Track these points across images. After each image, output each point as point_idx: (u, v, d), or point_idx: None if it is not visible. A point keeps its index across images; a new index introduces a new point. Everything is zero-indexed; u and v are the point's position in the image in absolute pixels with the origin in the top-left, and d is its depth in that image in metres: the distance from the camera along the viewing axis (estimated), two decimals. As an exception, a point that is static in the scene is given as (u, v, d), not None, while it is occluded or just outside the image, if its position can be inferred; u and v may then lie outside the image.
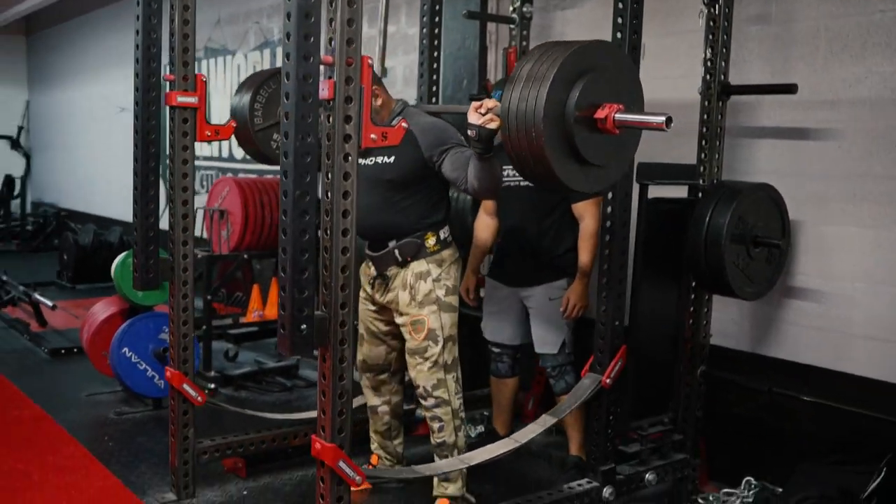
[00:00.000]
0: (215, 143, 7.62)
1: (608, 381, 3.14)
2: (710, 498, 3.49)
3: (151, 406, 4.50)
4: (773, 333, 3.59)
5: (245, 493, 3.52)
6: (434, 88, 4.10)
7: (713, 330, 3.69)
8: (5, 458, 3.77)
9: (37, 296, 6.20)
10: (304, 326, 2.38)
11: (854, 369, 3.33)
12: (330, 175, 2.38)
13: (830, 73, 3.33)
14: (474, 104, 2.72)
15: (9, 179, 11.42)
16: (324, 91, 2.36)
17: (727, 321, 3.72)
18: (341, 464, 2.47)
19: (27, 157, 12.18)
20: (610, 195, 3.07)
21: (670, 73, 3.80)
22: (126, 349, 4.42)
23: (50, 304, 6.04)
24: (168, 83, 3.28)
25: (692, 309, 3.47)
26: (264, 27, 7.05)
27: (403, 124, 2.56)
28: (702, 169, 3.41)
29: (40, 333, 6.09)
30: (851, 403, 3.26)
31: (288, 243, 2.36)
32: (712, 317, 3.70)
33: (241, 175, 6.89)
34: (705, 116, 3.39)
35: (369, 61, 2.40)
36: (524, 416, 4.46)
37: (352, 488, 3.45)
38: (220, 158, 7.68)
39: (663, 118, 2.37)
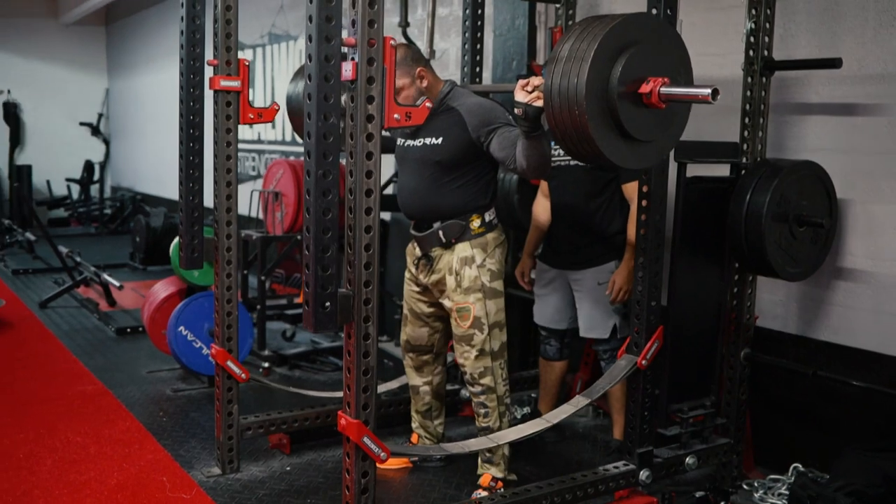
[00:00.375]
0: (279, 128, 7.75)
1: (644, 362, 3.10)
2: (756, 484, 3.42)
3: (207, 383, 4.63)
4: (821, 316, 3.50)
5: (288, 468, 3.60)
6: (478, 69, 4.08)
7: (761, 312, 3.62)
8: (65, 431, 3.94)
9: (105, 276, 6.43)
10: (327, 304, 2.43)
11: (905, 353, 3.23)
12: (353, 155, 2.41)
13: (880, 46, 3.21)
14: (521, 82, 2.72)
15: (89, 165, 11.82)
16: (346, 72, 2.39)
17: (775, 303, 3.64)
18: (365, 439, 2.51)
19: (106, 143, 12.59)
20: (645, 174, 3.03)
21: (716, 49, 3.71)
22: (182, 328, 4.55)
23: (117, 284, 6.26)
24: (212, 68, 3.37)
25: (735, 290, 3.41)
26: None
27: (427, 104, 2.57)
28: (745, 147, 3.33)
29: (109, 313, 6.33)
30: (899, 388, 3.17)
31: (311, 222, 2.40)
32: (759, 299, 3.63)
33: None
34: (748, 93, 3.30)
35: (392, 42, 2.42)
36: (571, 398, 4.44)
37: (389, 466, 3.56)
38: (283, 142, 7.81)
39: (709, 90, 2.35)
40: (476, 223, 3.25)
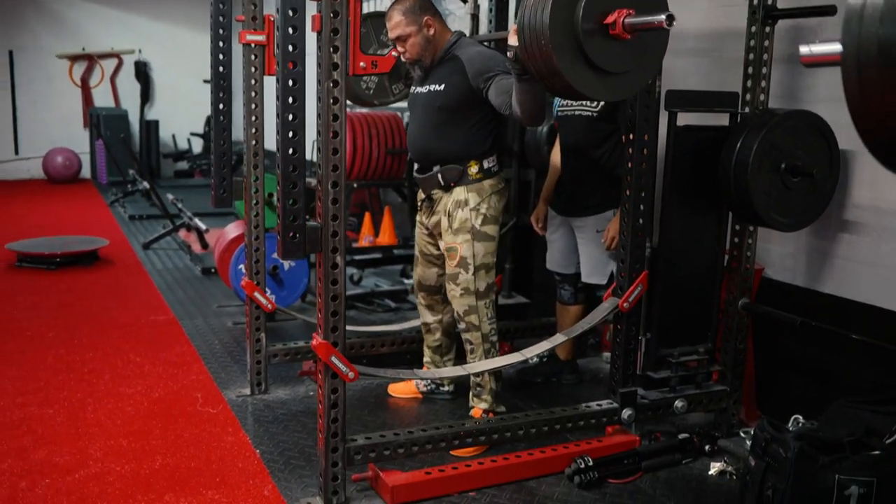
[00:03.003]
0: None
1: (626, 305, 3.21)
2: (752, 432, 3.47)
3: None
4: (826, 268, 3.48)
5: (311, 393, 3.92)
6: (504, 22, 4.21)
7: (771, 264, 3.64)
8: (128, 353, 4.41)
9: (196, 221, 6.95)
10: (296, 234, 2.68)
11: (902, 307, 3.19)
12: (321, 99, 2.64)
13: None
14: (513, 26, 2.82)
15: (211, 120, 12.52)
16: (312, 24, 2.61)
17: (784, 255, 3.64)
18: (333, 359, 2.77)
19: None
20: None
21: (731, 0, 3.71)
22: (241, 266, 4.92)
23: (204, 227, 6.77)
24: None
25: (736, 240, 3.44)
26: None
27: (393, 53, 2.77)
28: (747, 97, 3.34)
29: (200, 255, 6.85)
30: (896, 342, 3.14)
31: (279, 160, 2.66)
32: (769, 251, 3.65)
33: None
34: (750, 42, 3.31)
35: (356, -7, 2.62)
36: (602, 346, 4.57)
37: (403, 395, 3.81)
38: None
39: (664, 15, 2.42)
40: (474, 169, 3.42)
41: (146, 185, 9.01)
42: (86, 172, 12.20)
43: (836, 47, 1.51)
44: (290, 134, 2.64)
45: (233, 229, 5.49)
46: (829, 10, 3.11)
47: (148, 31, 12.45)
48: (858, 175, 3.33)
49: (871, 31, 1.38)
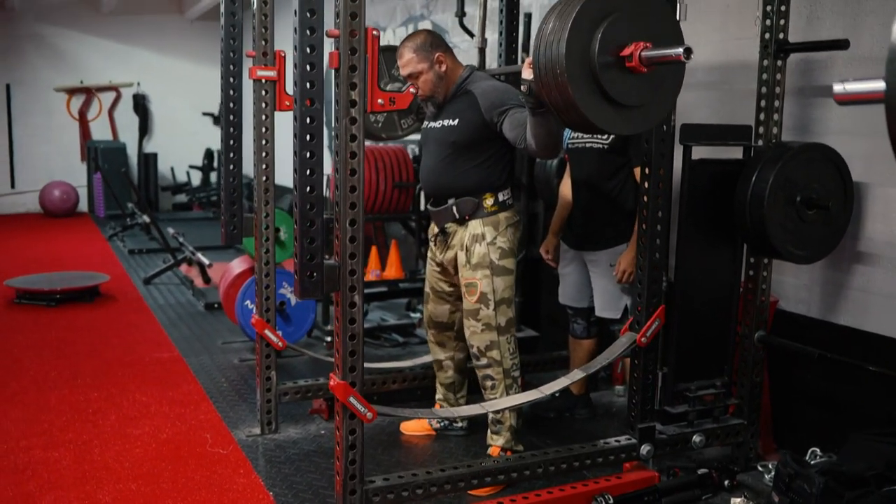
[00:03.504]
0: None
1: (643, 339, 3.19)
2: (770, 466, 3.44)
3: (271, 354, 4.96)
4: (841, 300, 3.47)
5: (323, 432, 3.87)
6: (513, 56, 4.22)
7: (785, 296, 3.62)
8: (133, 392, 4.35)
9: (199, 255, 6.91)
10: (313, 273, 2.65)
11: (920, 339, 3.17)
12: (338, 136, 2.62)
13: (899, 26, 3.15)
14: (528, 60, 2.84)
15: (209, 153, 12.53)
16: (330, 61, 2.60)
17: (799, 287, 3.63)
18: (351, 399, 2.73)
19: (227, 132, 13.28)
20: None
21: (738, 32, 3.72)
22: (248, 302, 4.90)
23: (207, 262, 6.73)
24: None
25: (751, 273, 3.43)
26: (409, 3, 7.37)
27: (412, 90, 2.75)
28: (760, 130, 3.34)
29: (203, 289, 6.80)
30: (915, 375, 3.12)
31: (297, 198, 2.63)
32: (784, 283, 3.64)
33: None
34: (763, 76, 3.31)
35: (374, 33, 2.61)
36: (614, 378, 4.53)
37: (415, 433, 3.77)
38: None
39: (682, 49, 2.43)
40: (489, 202, 3.40)
41: (146, 218, 8.98)
42: (83, 206, 12.16)
43: (878, 85, 1.49)
44: (308, 171, 2.62)
45: (238, 264, 5.46)
46: (842, 45, 3.12)
47: (146, 64, 12.48)
48: (871, 207, 3.32)
49: (917, 70, 1.36)
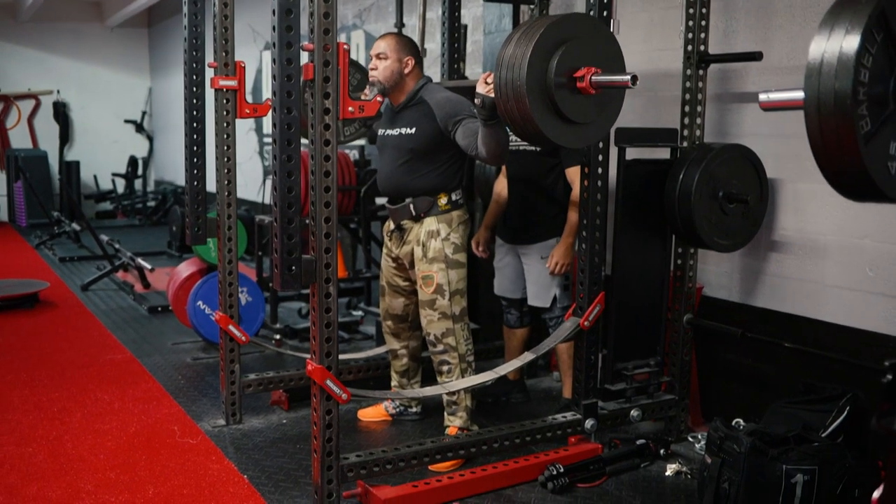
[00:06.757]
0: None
1: (586, 323, 3.51)
2: (699, 436, 3.81)
3: (223, 352, 5.14)
4: (759, 284, 3.86)
5: (284, 421, 4.08)
6: (456, 66, 4.51)
7: (709, 283, 4.00)
8: (94, 391, 4.48)
9: (139, 260, 7.00)
10: (293, 267, 2.89)
11: (827, 316, 3.57)
12: (314, 142, 2.87)
13: (805, 40, 3.56)
14: (483, 75, 3.15)
15: (133, 160, 12.49)
16: (304, 72, 2.84)
17: (720, 274, 4.02)
18: (328, 382, 2.97)
19: (150, 139, 13.26)
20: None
21: (662, 44, 4.11)
22: (200, 302, 5.07)
23: (149, 267, 6.83)
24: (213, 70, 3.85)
25: (679, 262, 3.79)
26: (341, 13, 7.59)
27: (378, 98, 3.02)
28: (685, 132, 3.71)
29: (143, 294, 6.89)
30: (825, 348, 3.52)
31: (277, 198, 2.87)
32: (707, 271, 4.02)
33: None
34: (686, 84, 3.69)
35: (345, 47, 2.87)
36: (552, 365, 4.86)
37: (372, 419, 4.01)
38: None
39: (629, 76, 2.79)
40: (443, 200, 3.68)
41: (76, 226, 8.96)
42: (2, 216, 11.97)
43: (797, 94, 1.83)
44: (287, 174, 2.85)
45: (185, 267, 5.61)
46: (757, 56, 3.52)
47: (66, 72, 12.38)
48: (784, 201, 3.72)
49: (828, 84, 1.70)
